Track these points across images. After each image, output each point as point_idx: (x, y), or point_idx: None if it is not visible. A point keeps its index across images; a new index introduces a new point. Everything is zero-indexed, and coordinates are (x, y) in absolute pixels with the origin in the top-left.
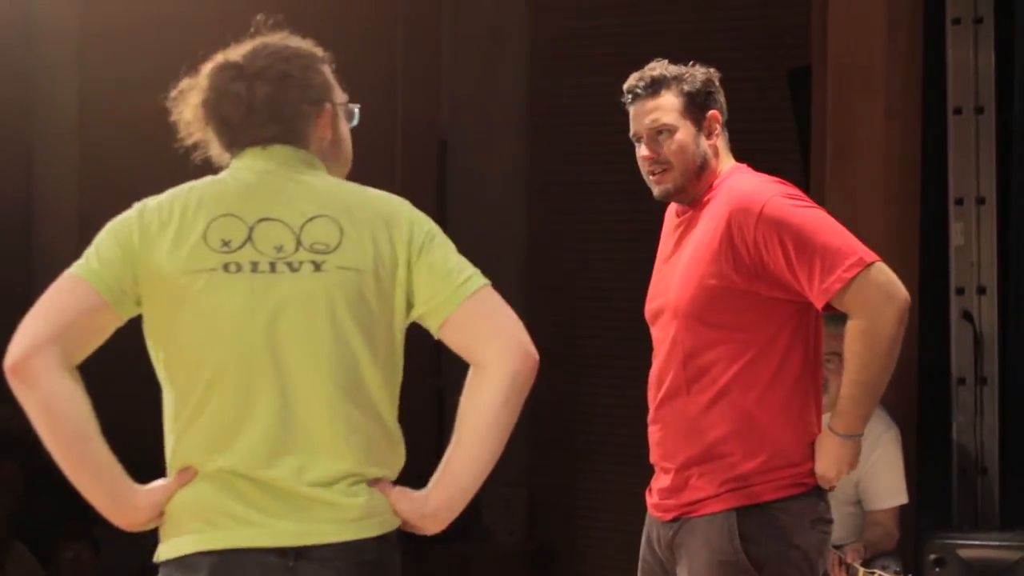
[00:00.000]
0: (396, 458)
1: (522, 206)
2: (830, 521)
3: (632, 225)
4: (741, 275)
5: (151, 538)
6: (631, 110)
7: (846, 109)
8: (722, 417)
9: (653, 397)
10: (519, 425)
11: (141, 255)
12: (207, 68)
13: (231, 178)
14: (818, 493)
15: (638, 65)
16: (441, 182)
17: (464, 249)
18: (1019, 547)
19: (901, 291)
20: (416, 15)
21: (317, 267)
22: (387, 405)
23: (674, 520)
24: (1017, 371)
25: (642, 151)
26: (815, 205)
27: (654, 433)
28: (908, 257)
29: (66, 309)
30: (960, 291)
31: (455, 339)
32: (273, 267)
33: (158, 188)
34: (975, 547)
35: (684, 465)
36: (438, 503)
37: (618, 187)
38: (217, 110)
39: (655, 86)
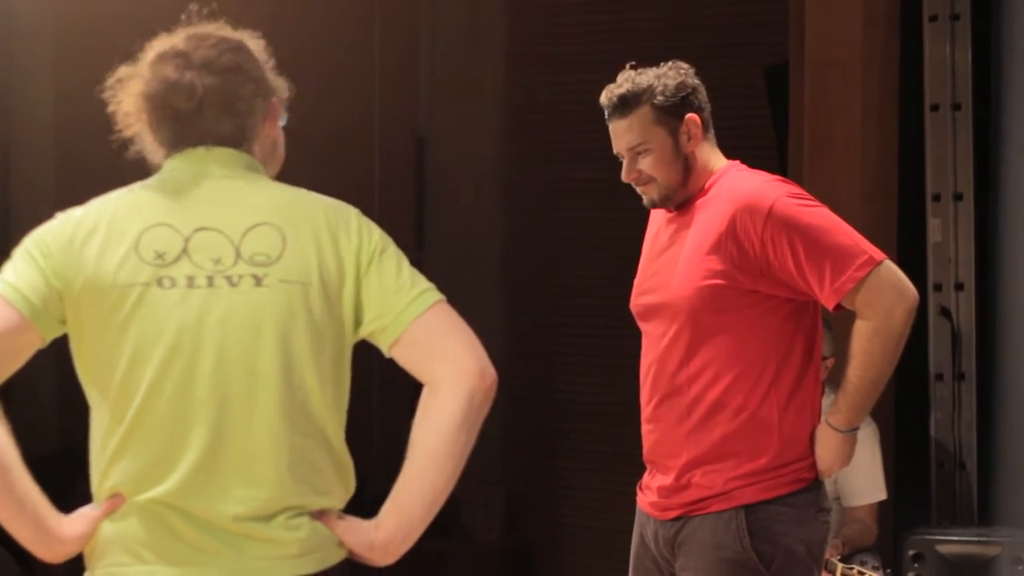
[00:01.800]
0: (344, 485)
1: (499, 205)
2: (829, 510)
3: (609, 224)
4: (744, 273)
5: None
6: (609, 127)
7: (823, 106)
8: (726, 416)
9: (648, 395)
10: (496, 424)
11: (65, 269)
12: (149, 56)
13: (164, 182)
14: (818, 484)
15: (615, 64)
16: (419, 181)
17: (442, 248)
18: (997, 542)
19: (910, 289)
20: (393, 14)
21: (258, 281)
22: (334, 428)
23: (676, 519)
24: (995, 367)
25: (623, 171)
26: (820, 204)
27: (651, 432)
28: (886, 253)
29: None
30: (938, 287)
31: (407, 358)
32: (211, 281)
33: None
34: (953, 543)
35: (688, 464)
36: (388, 534)
37: (595, 186)
38: (164, 101)
39: (624, 105)
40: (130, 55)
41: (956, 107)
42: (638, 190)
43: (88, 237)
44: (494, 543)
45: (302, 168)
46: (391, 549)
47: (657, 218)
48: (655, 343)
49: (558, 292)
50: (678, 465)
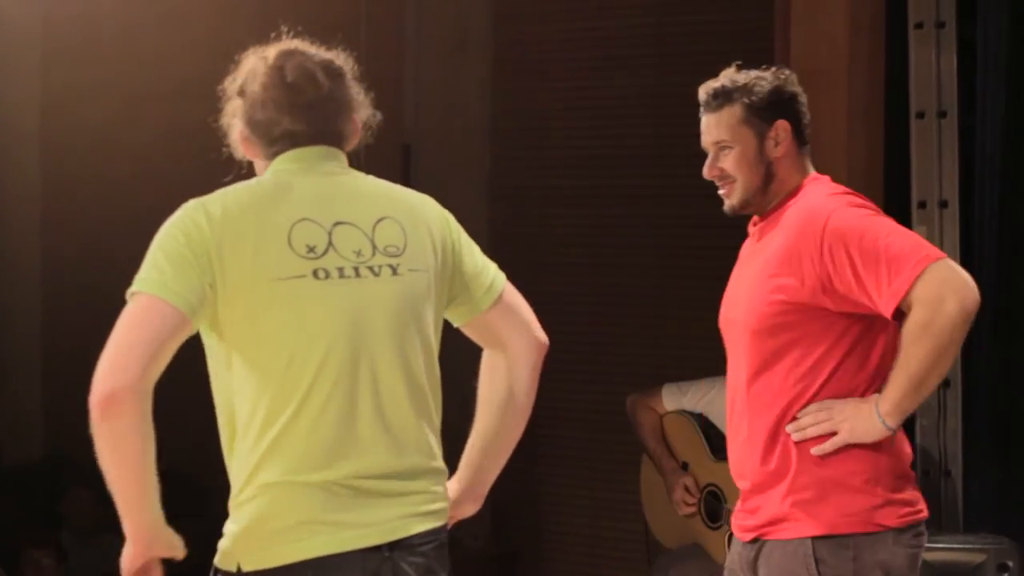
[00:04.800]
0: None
1: (485, 210)
2: (921, 533)
3: (594, 230)
4: (808, 290)
5: (115, 547)
6: (701, 121)
7: (809, 113)
8: (786, 439)
9: (728, 411)
10: None
11: (219, 259)
12: (272, 50)
13: (285, 181)
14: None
15: (601, 71)
16: (405, 186)
17: None
18: (982, 549)
19: (970, 288)
20: (379, 19)
21: (394, 271)
22: (439, 400)
23: (753, 541)
24: (980, 374)
25: (705, 166)
26: (880, 212)
27: (730, 449)
28: None
29: (150, 340)
30: None
31: (480, 334)
32: (357, 272)
33: (121, 194)
34: (938, 550)
35: (755, 487)
36: (483, 488)
37: (581, 192)
38: (277, 100)
39: (717, 100)
40: (116, 61)
41: (942, 114)
42: (720, 193)
43: (237, 229)
44: (481, 550)
45: None
46: (482, 498)
47: (750, 231)
48: (730, 359)
49: (543, 299)
50: (747, 486)
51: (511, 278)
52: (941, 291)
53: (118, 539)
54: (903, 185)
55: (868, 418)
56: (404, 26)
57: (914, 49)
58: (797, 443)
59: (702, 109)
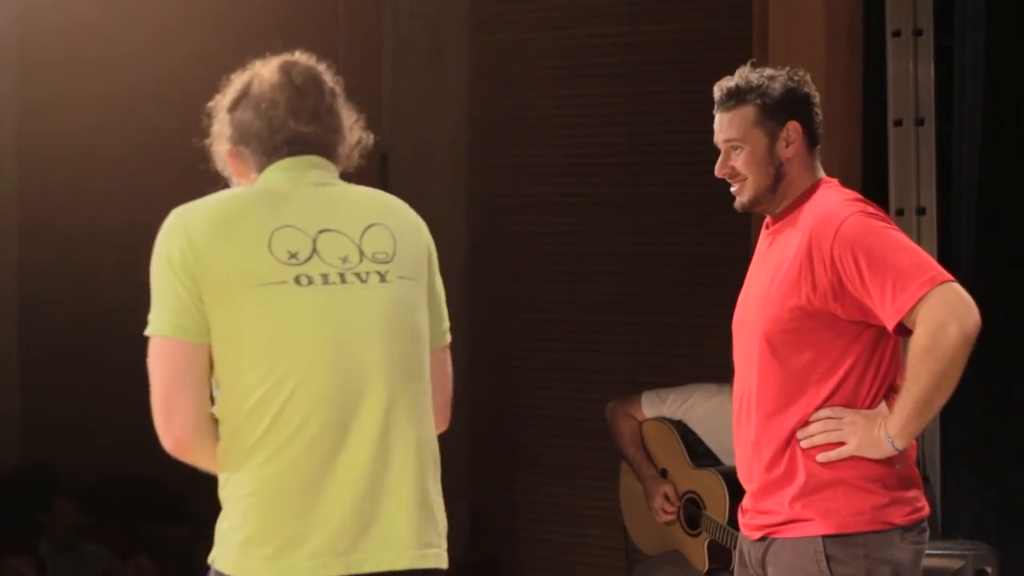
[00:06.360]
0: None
1: (462, 220)
2: (925, 530)
3: (571, 238)
4: (819, 294)
5: (94, 555)
6: (715, 119)
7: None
8: (791, 441)
9: (735, 414)
10: (461, 437)
11: (201, 272)
12: (272, 64)
13: (272, 188)
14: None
15: (578, 79)
16: None
17: None
18: (961, 555)
19: (972, 313)
20: (356, 28)
21: (382, 277)
22: (431, 416)
23: (761, 539)
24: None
25: (718, 164)
26: (893, 224)
27: (736, 451)
28: None
29: (183, 381)
30: None
31: None
32: (343, 278)
33: (98, 202)
34: None
35: (762, 488)
36: None
37: (559, 200)
38: (306, 94)
39: (731, 98)
40: (93, 70)
41: (919, 122)
42: (732, 190)
43: (216, 236)
44: (459, 558)
45: None
46: None
47: (762, 232)
48: (740, 361)
49: (522, 307)
50: (754, 487)
51: (489, 287)
52: (944, 316)
53: (98, 549)
54: (881, 192)
55: (877, 436)
56: (381, 34)
57: (892, 57)
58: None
59: (716, 107)
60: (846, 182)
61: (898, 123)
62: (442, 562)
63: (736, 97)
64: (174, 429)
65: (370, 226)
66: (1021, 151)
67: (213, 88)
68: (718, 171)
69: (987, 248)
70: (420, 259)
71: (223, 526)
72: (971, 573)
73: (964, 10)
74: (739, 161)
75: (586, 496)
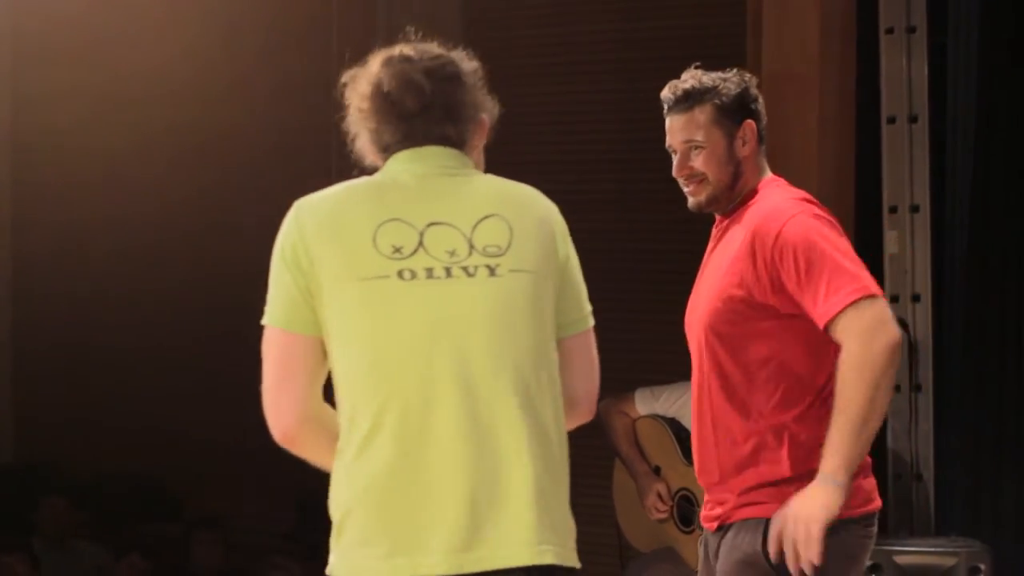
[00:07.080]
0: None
1: None
2: (874, 524)
3: None
4: (760, 288)
5: (88, 553)
6: (666, 121)
7: (780, 118)
8: (744, 430)
9: (694, 408)
10: None
11: (309, 264)
12: (377, 59)
13: (391, 179)
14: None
15: (571, 76)
16: None
17: None
18: (954, 553)
19: (897, 332)
20: (350, 26)
21: (492, 271)
22: (559, 407)
23: (719, 529)
24: (951, 378)
25: (675, 165)
26: (836, 227)
27: (694, 447)
28: None
29: (295, 373)
30: (895, 299)
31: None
32: (448, 272)
33: (92, 196)
34: (910, 553)
35: (721, 477)
36: None
37: (550, 196)
38: (393, 99)
39: (688, 99)
40: (86, 65)
41: (913, 119)
42: (686, 191)
43: (323, 230)
44: None
45: (259, 177)
46: None
47: (714, 235)
48: (693, 359)
49: None
50: (713, 479)
51: None
52: (873, 326)
53: (91, 546)
54: (875, 189)
55: (817, 492)
56: (374, 30)
57: (885, 54)
58: (759, 435)
59: (669, 108)
60: (840, 179)
61: (892, 120)
62: (564, 559)
63: (693, 98)
64: (281, 420)
65: (485, 218)
66: (1015, 148)
67: (204, 82)
68: (676, 172)
69: (980, 246)
70: (542, 250)
71: (334, 520)
72: (964, 571)
73: (958, 7)
74: (699, 161)
75: (579, 493)
